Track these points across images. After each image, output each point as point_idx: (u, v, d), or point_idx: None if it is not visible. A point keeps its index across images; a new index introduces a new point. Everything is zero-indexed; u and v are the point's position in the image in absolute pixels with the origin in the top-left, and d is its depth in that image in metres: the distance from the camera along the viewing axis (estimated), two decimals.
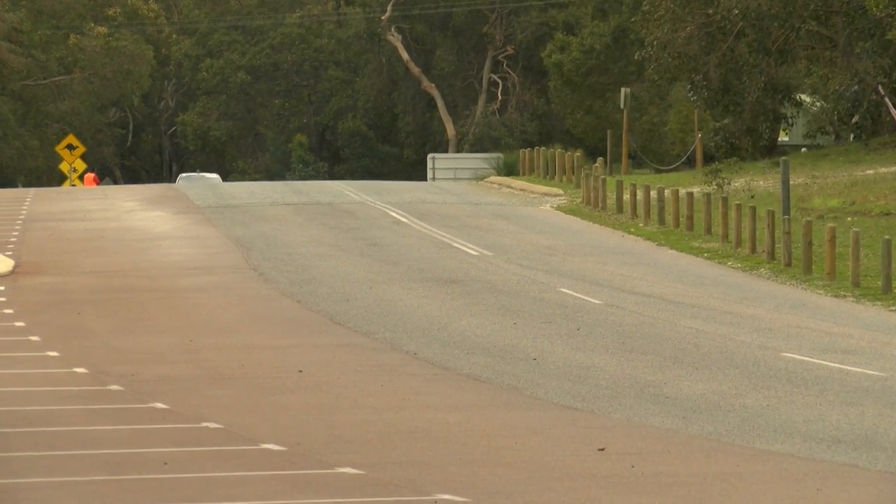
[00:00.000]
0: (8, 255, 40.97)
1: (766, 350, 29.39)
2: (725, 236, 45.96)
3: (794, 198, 49.22)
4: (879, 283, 36.91)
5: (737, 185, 56.43)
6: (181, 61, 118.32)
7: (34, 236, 45.94)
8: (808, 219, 43.49)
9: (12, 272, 38.90)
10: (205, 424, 21.10)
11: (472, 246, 44.75)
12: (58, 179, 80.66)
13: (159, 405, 22.49)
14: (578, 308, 34.16)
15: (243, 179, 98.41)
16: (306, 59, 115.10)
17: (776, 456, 19.84)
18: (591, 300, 35.06)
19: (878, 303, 36.12)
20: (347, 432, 21.05)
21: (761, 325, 32.81)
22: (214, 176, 66.57)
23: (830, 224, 42.07)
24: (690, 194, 51.20)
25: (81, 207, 56.78)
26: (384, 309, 33.97)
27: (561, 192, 64.04)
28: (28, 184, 79.69)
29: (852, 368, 26.74)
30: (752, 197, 51.35)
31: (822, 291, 38.21)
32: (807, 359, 27.90)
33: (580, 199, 58.97)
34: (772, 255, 42.57)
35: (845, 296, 37.44)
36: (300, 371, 25.95)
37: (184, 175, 65.95)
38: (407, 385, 25.93)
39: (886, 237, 37.74)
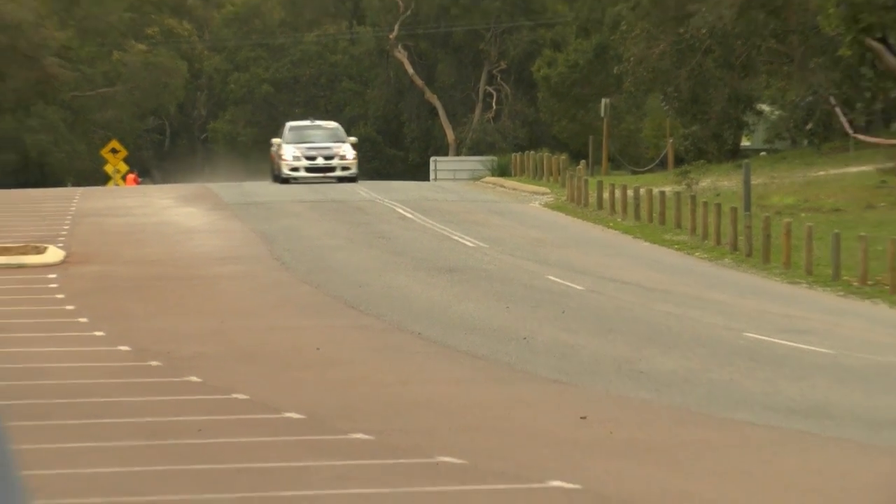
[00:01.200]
0: (59, 247, 40.87)
1: (729, 331, 29.35)
2: (693, 230, 45.74)
3: (755, 196, 49.02)
4: (830, 271, 36.86)
5: (704, 184, 56.16)
6: (212, 75, 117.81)
7: (82, 230, 45.74)
8: (767, 214, 43.43)
9: (63, 262, 38.85)
10: (234, 395, 21.33)
11: (469, 238, 44.54)
12: (103, 180, 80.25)
13: (194, 378, 22.72)
14: (563, 293, 34.05)
15: (267, 179, 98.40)
16: (323, 73, 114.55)
17: (738, 424, 20.21)
18: (575, 286, 34.95)
19: (829, 289, 36.04)
20: (359, 403, 21.35)
21: (725, 308, 32.68)
22: (333, 123, 64.28)
23: (787, 219, 42.09)
24: (662, 193, 51.08)
25: (123, 204, 56.52)
26: (392, 294, 33.90)
27: (548, 190, 63.68)
28: (76, 184, 79.38)
29: (806, 347, 26.77)
30: (718, 195, 51.15)
31: (778, 279, 38.14)
32: (765, 338, 27.91)
33: (565, 197, 58.57)
34: (734, 247, 42.41)
35: (799, 282, 37.40)
36: (318, 349, 25.93)
37: (291, 123, 62.28)
38: (412, 361, 26.13)
39: (836, 231, 37.73)
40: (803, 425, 19.94)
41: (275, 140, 59.99)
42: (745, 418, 20.34)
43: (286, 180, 58.23)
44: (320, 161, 57.32)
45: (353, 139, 59.76)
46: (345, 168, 57.58)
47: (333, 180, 56.80)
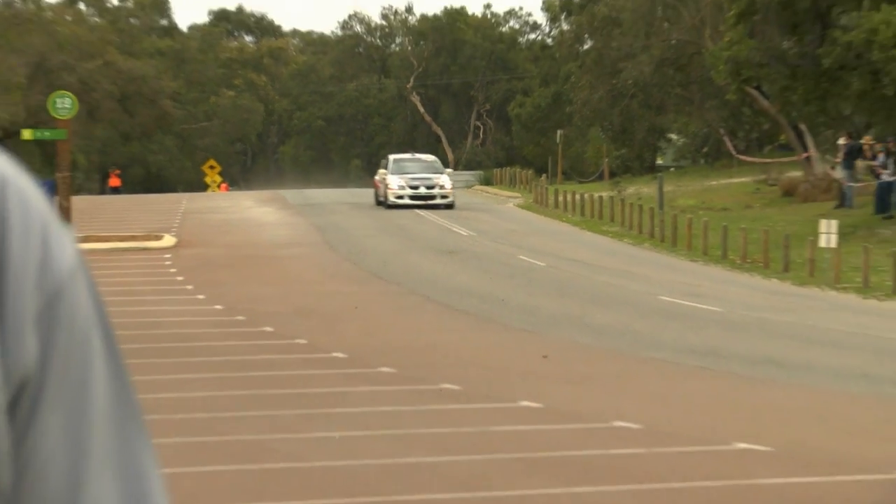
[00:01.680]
0: (172, 235, 41.27)
1: (649, 295, 29.39)
2: (622, 223, 45.80)
3: (666, 199, 49.24)
4: (720, 252, 36.85)
5: (630, 191, 56.18)
6: (280, 113, 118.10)
7: (188, 223, 45.97)
8: (675, 213, 43.58)
9: (175, 246, 39.12)
10: (296, 341, 21.43)
11: (464, 229, 44.46)
12: (203, 188, 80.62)
13: (268, 329, 22.96)
14: (530, 268, 34.20)
15: (320, 188, 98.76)
16: (359, 112, 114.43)
17: (655, 361, 20.29)
18: (538, 263, 35.03)
19: (719, 265, 35.94)
20: (385, 345, 21.32)
21: (646, 279, 32.84)
22: (431, 156, 54.58)
23: (689, 216, 42.22)
24: (601, 197, 51.01)
25: (217, 205, 56.78)
26: (408, 269, 34.07)
27: (519, 195, 63.77)
28: (184, 191, 79.76)
29: (703, 307, 26.76)
30: (640, 199, 51.13)
31: (683, 258, 38.03)
32: (675, 300, 27.84)
33: (532, 200, 58.85)
34: (652, 235, 42.27)
35: (698, 260, 37.30)
36: (356, 308, 26.08)
37: (394, 156, 53.03)
38: (422, 316, 26.25)
39: (724, 224, 37.85)
40: (702, 363, 20.05)
41: (381, 171, 51.08)
42: (660, 356, 20.60)
43: (391, 206, 49.67)
44: (423, 190, 48.49)
45: (449, 170, 50.81)
46: (444, 196, 48.82)
47: (433, 207, 48.39)
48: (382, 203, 50.93)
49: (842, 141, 44.35)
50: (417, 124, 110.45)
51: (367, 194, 58.25)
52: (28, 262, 0.94)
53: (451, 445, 14.00)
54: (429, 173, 49.06)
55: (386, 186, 49.79)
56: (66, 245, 0.96)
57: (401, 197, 49.25)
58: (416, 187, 49.15)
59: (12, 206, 0.94)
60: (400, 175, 49.46)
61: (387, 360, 19.47)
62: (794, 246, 34.28)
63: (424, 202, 49.16)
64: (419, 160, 51.36)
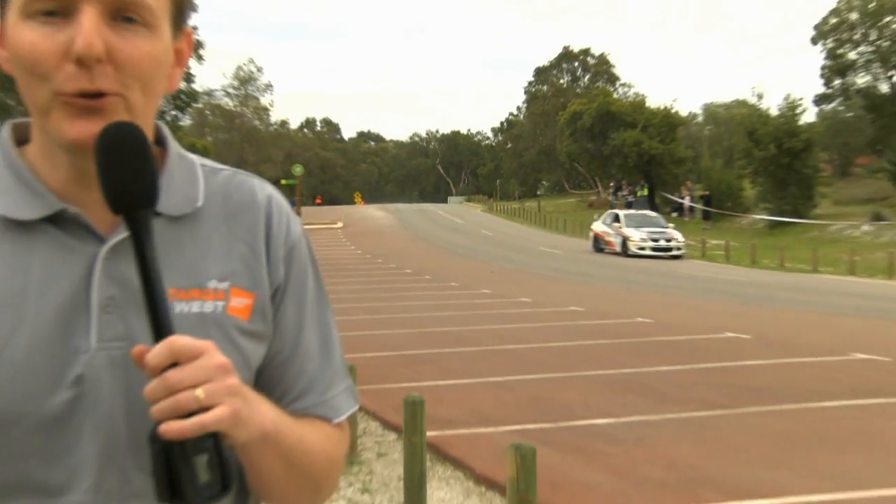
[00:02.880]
0: (340, 223, 39.04)
1: (530, 242, 26.11)
2: (523, 217, 43.60)
3: (542, 207, 45.97)
4: (561, 228, 33.43)
5: (527, 205, 52.43)
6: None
7: (349, 217, 44.05)
8: (545, 213, 40.87)
9: (343, 227, 37.17)
10: (405, 270, 18.17)
11: (460, 220, 42.67)
12: (352, 202, 76.13)
13: (392, 265, 19.28)
14: (487, 237, 31.43)
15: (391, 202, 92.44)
16: (411, 170, 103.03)
17: (539, 275, 17.72)
18: (489, 234, 32.53)
19: (562, 234, 31.70)
20: (427, 266, 19.00)
21: (530, 239, 28.52)
22: (654, 213, 26.80)
23: (550, 212, 39.83)
24: (514, 207, 48.58)
25: (358, 209, 54.13)
26: (436, 238, 29.47)
27: (481, 207, 60.70)
28: (346, 205, 75.38)
29: (556, 251, 23.78)
30: (526, 206, 47.93)
31: (548, 231, 33.78)
32: (546, 249, 24.49)
33: (487, 209, 56.18)
34: (535, 222, 39.99)
35: (554, 233, 32.66)
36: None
37: (627, 213, 25.43)
38: (441, 256, 22.52)
39: (564, 218, 35.35)
40: (557, 275, 17.26)
41: (614, 224, 25.41)
42: (541, 273, 18.00)
43: (631, 255, 24.40)
44: (662, 243, 26.44)
45: (671, 225, 27.45)
46: (678, 248, 26.42)
47: (668, 258, 26.33)
48: (623, 253, 24.97)
49: (612, 184, 42.59)
50: (440, 181, 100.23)
51: (420, 207, 53.98)
52: (280, 233, 0.82)
53: (453, 306, 11.94)
54: (660, 227, 26.24)
55: (627, 238, 25.26)
56: (296, 225, 0.85)
57: (642, 248, 25.85)
58: (656, 240, 26.51)
59: (274, 207, 0.83)
60: (636, 229, 26.12)
61: (427, 272, 17.47)
62: (585, 224, 29.64)
63: (662, 253, 25.34)
64: (645, 216, 27.70)
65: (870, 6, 28.21)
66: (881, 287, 14.95)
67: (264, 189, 0.83)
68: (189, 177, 0.79)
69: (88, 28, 0.64)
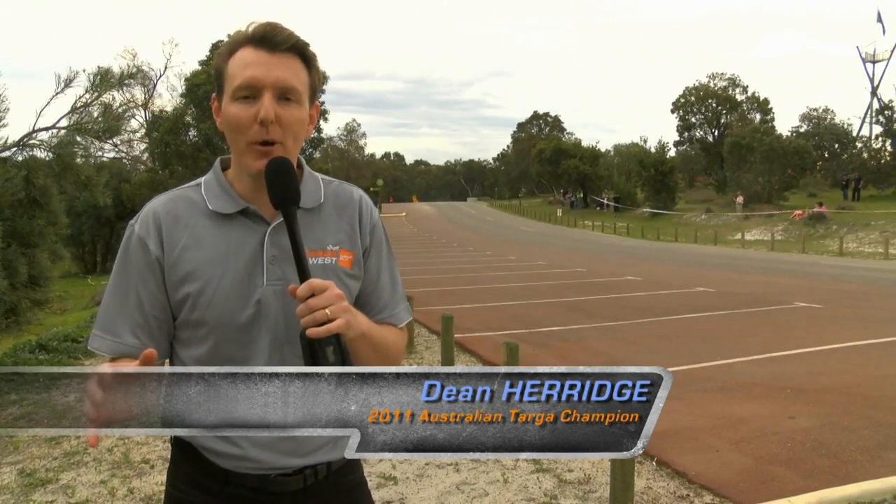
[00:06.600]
0: (403, 213, 37.71)
1: (521, 225, 27.60)
2: (513, 209, 41.39)
3: (522, 204, 43.76)
4: (535, 216, 34.33)
5: (516, 202, 48.44)
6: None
7: (410, 209, 42.93)
8: (524, 207, 40.17)
9: (405, 216, 36.00)
10: (468, 249, 16.74)
11: (472, 211, 41.92)
12: (410, 200, 66.27)
13: (454, 244, 18.29)
14: (488, 222, 31.32)
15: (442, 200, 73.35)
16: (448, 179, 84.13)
17: (513, 242, 18.03)
18: (489, 219, 32.72)
19: (537, 221, 32.67)
20: (462, 240, 18.71)
21: (514, 224, 29.94)
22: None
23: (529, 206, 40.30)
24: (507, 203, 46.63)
25: (413, 205, 51.77)
26: (458, 221, 31.29)
27: (488, 203, 53.47)
28: (406, 202, 62.63)
29: (530, 230, 24.15)
30: (510, 204, 47.32)
31: (526, 218, 34.21)
32: (523, 228, 25.83)
33: (489, 204, 51.28)
34: (520, 214, 38.65)
35: (529, 219, 33.57)
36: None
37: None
38: (458, 230, 23.66)
39: (536, 210, 36.18)
40: (533, 240, 17.76)
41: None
42: (515, 240, 17.91)
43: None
44: None
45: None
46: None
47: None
48: None
49: (563, 191, 41.14)
50: (461, 189, 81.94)
51: (454, 205, 51.30)
52: (366, 217, 1.06)
53: (469, 261, 11.84)
54: None
55: None
56: (376, 213, 1.06)
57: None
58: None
59: (364, 203, 1.05)
60: None
61: (453, 240, 17.16)
62: (550, 214, 32.83)
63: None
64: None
65: (700, 93, 40.26)
66: (713, 250, 17.17)
67: (358, 192, 1.15)
68: (315, 186, 1.11)
69: (267, 105, 1.02)
